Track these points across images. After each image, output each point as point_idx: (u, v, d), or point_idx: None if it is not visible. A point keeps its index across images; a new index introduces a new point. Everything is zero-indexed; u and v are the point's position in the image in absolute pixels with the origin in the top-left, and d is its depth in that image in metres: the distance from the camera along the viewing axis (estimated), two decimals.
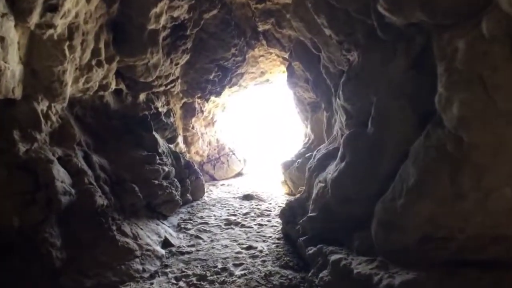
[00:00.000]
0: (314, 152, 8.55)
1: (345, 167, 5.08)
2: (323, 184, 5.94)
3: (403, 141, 4.15)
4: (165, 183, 7.71)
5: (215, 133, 16.39)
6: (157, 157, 7.91)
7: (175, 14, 7.08)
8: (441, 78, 3.25)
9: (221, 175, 15.61)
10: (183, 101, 11.20)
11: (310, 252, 5.21)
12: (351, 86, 4.74)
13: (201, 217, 8.84)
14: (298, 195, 7.59)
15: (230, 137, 18.05)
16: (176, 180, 8.42)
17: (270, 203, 10.66)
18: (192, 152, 14.08)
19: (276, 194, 12.57)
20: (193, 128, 12.94)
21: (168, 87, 8.93)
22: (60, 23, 4.27)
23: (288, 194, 12.32)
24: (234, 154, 16.29)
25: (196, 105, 11.92)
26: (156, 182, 7.48)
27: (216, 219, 8.78)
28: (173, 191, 7.92)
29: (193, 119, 12.23)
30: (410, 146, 4.01)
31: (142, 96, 8.51)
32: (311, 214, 5.94)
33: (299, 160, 11.09)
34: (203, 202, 10.53)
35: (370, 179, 4.68)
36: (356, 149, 4.89)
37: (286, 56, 9.79)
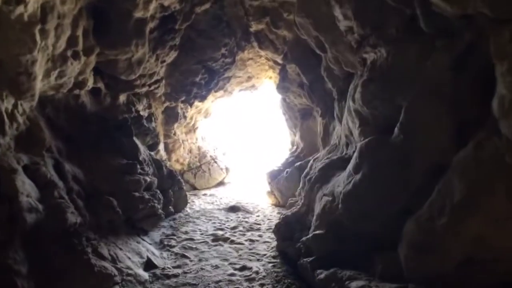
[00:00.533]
0: (311, 162, 7.96)
1: (362, 180, 4.51)
2: (330, 198, 5.34)
3: (438, 151, 3.62)
4: (147, 196, 6.88)
5: (197, 140, 15.57)
6: (138, 166, 7.07)
7: (166, 2, 6.34)
8: (503, 78, 2.73)
9: (202, 184, 14.79)
10: (165, 105, 10.39)
11: (321, 276, 4.56)
12: (373, 88, 4.19)
13: (186, 232, 8.02)
14: (295, 209, 6.95)
15: (212, 144, 17.29)
16: (158, 191, 7.59)
17: (258, 215, 9.97)
18: (172, 160, 13.21)
19: (263, 205, 11.90)
20: (174, 134, 12.11)
21: (152, 87, 8.12)
22: (32, 0, 3.48)
23: (275, 205, 11.68)
24: (216, 162, 15.52)
25: (179, 110, 11.13)
26: (137, 194, 6.64)
27: (202, 234, 7.98)
28: (156, 204, 7.10)
29: (175, 125, 11.41)
30: (447, 156, 3.49)
31: (122, 98, 7.67)
32: (317, 232, 5.31)
33: (288, 169, 10.50)
34: (186, 215, 9.69)
35: (393, 194, 4.12)
36: (376, 159, 4.32)
37: (279, 59, 9.25)
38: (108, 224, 6.05)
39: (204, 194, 13.52)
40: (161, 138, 11.45)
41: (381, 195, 4.22)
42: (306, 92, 8.30)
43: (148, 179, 7.12)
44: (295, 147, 11.66)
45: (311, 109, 9.79)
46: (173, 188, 9.02)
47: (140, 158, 7.33)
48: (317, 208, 5.77)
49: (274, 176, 11.50)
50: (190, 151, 15.35)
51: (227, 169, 15.72)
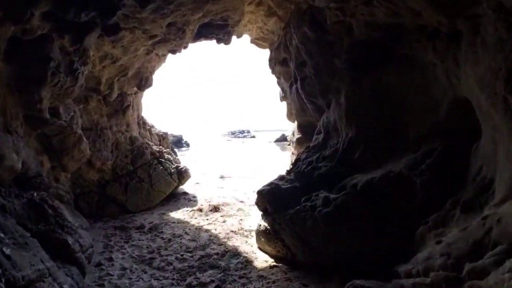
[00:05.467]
0: None
1: None
2: None
3: None
4: None
5: (128, 127, 8.47)
6: None
7: None
8: None
9: (138, 203, 7.78)
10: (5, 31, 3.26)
11: None
12: None
13: None
14: None
15: (157, 133, 10.22)
16: None
17: None
18: (69, 167, 6.11)
19: (258, 262, 5.28)
20: (56, 116, 4.94)
21: None
22: None
23: (283, 259, 4.98)
24: (161, 163, 8.54)
25: (53, 52, 4.02)
26: None
27: None
28: None
29: (44, 92, 4.22)
30: None
31: None
32: None
33: (327, 194, 3.87)
34: None
35: None
36: None
37: None
38: None
39: (139, 229, 6.52)
40: (16, 124, 4.30)
41: None
42: None
43: None
44: (321, 136, 5.07)
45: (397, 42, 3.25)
46: None
47: None
48: None
49: (279, 202, 4.89)
50: (117, 145, 8.19)
51: (180, 172, 8.75)
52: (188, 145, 24.46)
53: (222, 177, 11.00)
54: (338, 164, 4.18)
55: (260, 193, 5.25)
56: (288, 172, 5.37)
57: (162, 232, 6.31)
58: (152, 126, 10.22)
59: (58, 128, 5.21)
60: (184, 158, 16.81)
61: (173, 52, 6.72)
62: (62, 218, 4.83)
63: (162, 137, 10.24)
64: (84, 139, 5.81)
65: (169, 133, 17.18)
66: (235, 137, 32.19)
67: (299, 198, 4.45)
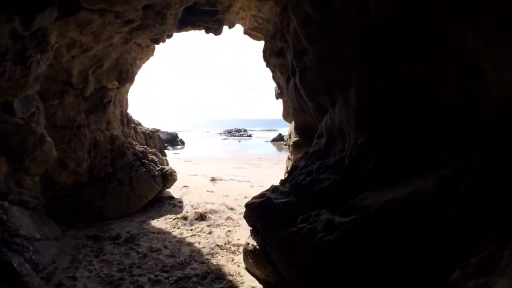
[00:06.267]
0: None
1: None
2: None
3: None
4: None
5: (108, 125, 7.65)
6: None
7: None
8: None
9: (117, 209, 6.97)
10: None
11: None
12: None
13: None
14: None
15: (143, 132, 9.39)
16: None
17: None
18: (33, 170, 5.30)
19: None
20: (10, 112, 4.13)
21: None
22: None
23: (270, 283, 4.21)
24: (144, 165, 7.72)
25: None
26: None
27: None
28: None
29: None
30: None
31: None
32: None
33: (337, 221, 3.02)
34: None
35: None
36: None
37: None
38: None
39: (114, 240, 5.71)
40: None
41: None
42: None
43: None
44: (322, 140, 4.26)
45: None
46: None
47: None
48: None
49: (270, 219, 4.04)
50: (95, 145, 7.37)
51: (165, 175, 7.94)
52: (183, 143, 23.70)
53: (213, 179, 10.18)
54: (344, 177, 3.38)
55: (248, 206, 4.45)
56: (283, 182, 4.58)
57: (138, 244, 5.51)
58: (138, 124, 9.41)
59: (13, 127, 4.38)
60: (177, 156, 16.00)
61: (155, 41, 5.89)
62: (11, 233, 4.04)
63: (149, 136, 9.41)
64: (48, 139, 4.97)
65: (163, 130, 16.26)
66: (231, 135, 31.43)
67: (295, 217, 3.67)
